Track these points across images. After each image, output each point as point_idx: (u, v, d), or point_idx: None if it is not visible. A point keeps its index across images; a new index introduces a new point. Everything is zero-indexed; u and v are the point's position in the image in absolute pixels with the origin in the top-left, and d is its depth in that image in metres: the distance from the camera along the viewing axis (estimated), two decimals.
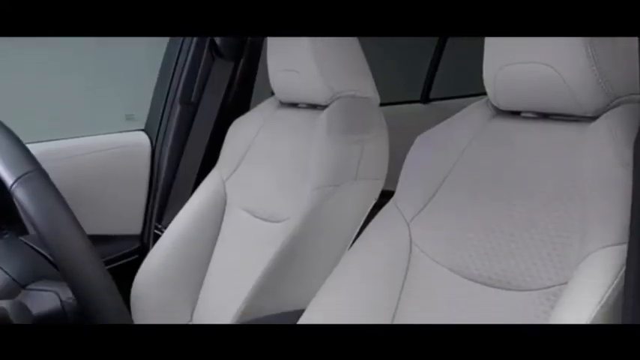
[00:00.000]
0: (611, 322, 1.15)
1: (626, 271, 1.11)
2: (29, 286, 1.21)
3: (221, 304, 2.14)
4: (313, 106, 2.15)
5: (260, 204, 2.15)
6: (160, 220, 2.58)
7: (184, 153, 2.62)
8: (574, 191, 1.35)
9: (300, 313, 1.63)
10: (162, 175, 2.61)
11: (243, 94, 2.62)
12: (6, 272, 1.23)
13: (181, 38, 2.61)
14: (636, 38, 1.18)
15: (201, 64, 2.59)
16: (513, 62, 1.44)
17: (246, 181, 2.23)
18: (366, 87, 2.09)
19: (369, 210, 1.97)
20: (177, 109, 2.62)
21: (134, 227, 2.62)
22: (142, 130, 2.71)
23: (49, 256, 1.25)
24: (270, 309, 1.89)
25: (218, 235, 2.26)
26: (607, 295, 1.16)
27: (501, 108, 1.55)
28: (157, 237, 2.42)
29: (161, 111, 2.67)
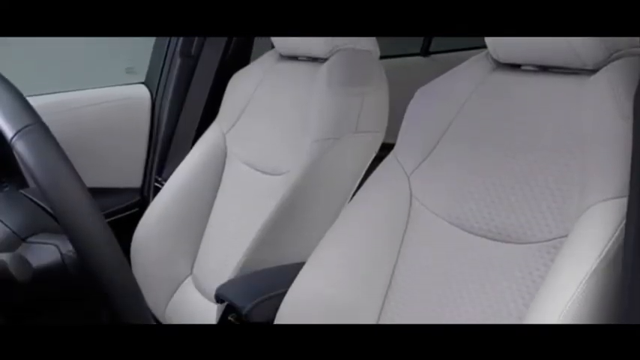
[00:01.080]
0: (611, 276, 1.16)
1: (627, 224, 1.11)
2: (29, 239, 1.21)
3: (221, 256, 2.14)
4: (313, 59, 2.14)
5: (260, 157, 2.15)
6: (160, 173, 2.58)
7: (184, 106, 2.61)
8: (574, 144, 1.34)
9: (300, 266, 1.64)
10: (163, 128, 2.61)
11: (243, 47, 2.61)
12: (6, 225, 1.23)
13: None
14: None
15: None
16: None
17: (246, 134, 2.23)
18: (367, 40, 2.08)
19: (369, 163, 1.96)
20: (178, 62, 2.61)
21: (134, 180, 2.62)
22: (142, 83, 2.71)
23: (49, 209, 1.25)
24: (271, 262, 1.89)
25: (218, 188, 2.26)
26: (607, 248, 1.17)
27: (501, 61, 1.54)
28: (157, 190, 2.42)
29: (161, 64, 2.66)
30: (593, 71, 1.37)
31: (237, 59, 2.57)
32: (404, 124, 1.69)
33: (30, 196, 1.33)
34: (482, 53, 1.61)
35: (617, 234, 1.17)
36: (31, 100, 1.17)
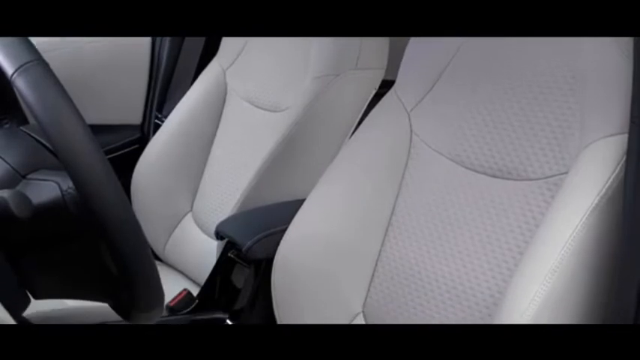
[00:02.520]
0: (611, 212, 1.16)
1: (627, 161, 1.11)
2: (29, 176, 1.21)
3: (221, 193, 2.14)
4: None
5: (260, 94, 2.14)
6: (160, 109, 2.56)
7: (184, 42, 2.60)
8: (574, 81, 1.34)
9: (300, 202, 1.64)
10: (163, 64, 2.59)
11: None
12: (6, 162, 1.23)
13: None
14: None
15: None
16: None
17: (246, 71, 2.22)
18: None
19: (369, 99, 1.96)
20: None
21: (134, 117, 2.61)
22: None
23: (49, 146, 1.24)
24: (271, 199, 1.90)
25: (218, 124, 2.25)
26: (607, 185, 1.17)
27: None
28: (157, 127, 2.41)
29: None
30: None
31: None
32: (404, 60, 1.68)
33: (30, 133, 1.32)
34: None
35: (617, 170, 1.17)
36: (31, 37, 1.17)
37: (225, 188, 2.13)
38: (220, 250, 1.87)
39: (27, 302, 1.23)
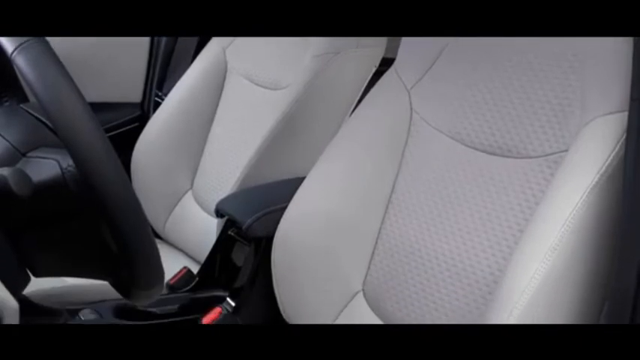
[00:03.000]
0: (611, 190, 1.16)
1: (627, 139, 1.11)
2: (29, 154, 1.21)
3: (221, 171, 2.14)
4: None
5: (261, 71, 2.14)
6: (160, 87, 2.56)
7: None
8: (574, 59, 1.34)
9: (300, 180, 1.64)
10: (163, 42, 2.58)
11: None
12: (6, 140, 1.23)
13: None
14: None
15: None
16: None
17: (246, 49, 2.21)
18: None
19: (369, 77, 1.96)
20: None
21: (134, 95, 2.60)
22: None
23: (49, 124, 1.24)
24: (271, 176, 1.90)
25: (218, 102, 2.25)
26: (607, 163, 1.17)
27: None
28: (157, 105, 2.41)
29: None
30: None
31: None
32: (404, 39, 1.68)
33: (30, 111, 1.32)
34: None
35: (617, 148, 1.17)
36: None
37: (226, 166, 2.13)
38: (220, 228, 1.87)
39: (27, 280, 1.23)
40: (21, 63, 1.07)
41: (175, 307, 1.82)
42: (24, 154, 1.21)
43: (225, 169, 2.13)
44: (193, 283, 1.90)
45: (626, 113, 1.15)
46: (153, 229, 2.11)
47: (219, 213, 1.80)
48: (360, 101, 1.76)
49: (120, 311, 1.72)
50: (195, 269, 1.94)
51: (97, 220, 1.14)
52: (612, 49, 1.25)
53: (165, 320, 1.76)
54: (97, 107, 1.32)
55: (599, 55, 1.28)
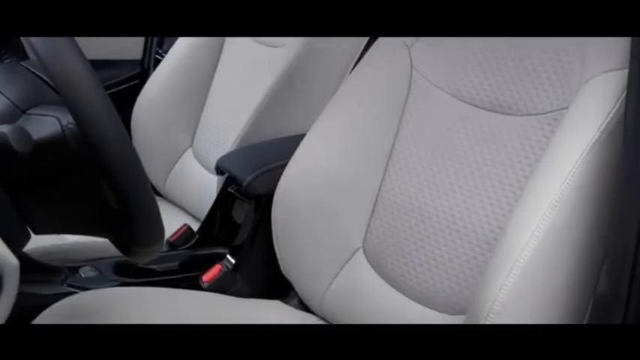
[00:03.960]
0: (611, 149, 1.16)
1: (627, 96, 1.10)
2: (30, 111, 1.21)
3: (222, 128, 2.14)
4: None
5: None
6: (160, 45, 2.56)
7: None
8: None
9: (300, 138, 1.64)
10: None
11: None
12: (6, 97, 1.22)
13: None
14: None
15: None
16: None
17: None
18: None
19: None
20: None
21: (135, 52, 2.60)
22: None
23: (49, 81, 1.24)
24: (271, 134, 1.90)
25: (219, 59, 2.25)
26: (607, 120, 1.17)
27: None
28: (157, 62, 2.41)
29: None
30: None
31: None
32: None
33: (30, 68, 1.32)
34: None
35: (617, 106, 1.17)
36: None
37: (226, 123, 2.13)
38: (221, 185, 1.87)
39: (27, 237, 1.23)
40: None
41: (175, 264, 1.83)
42: (24, 112, 1.21)
43: (225, 127, 2.13)
44: (193, 241, 1.90)
45: (626, 70, 1.15)
46: (153, 187, 2.12)
47: (219, 170, 1.80)
48: (360, 58, 1.76)
49: (120, 268, 1.72)
50: (195, 226, 1.94)
51: (97, 178, 1.14)
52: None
53: (166, 277, 1.77)
54: (98, 64, 1.32)
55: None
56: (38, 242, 1.34)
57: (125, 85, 2.51)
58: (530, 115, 1.36)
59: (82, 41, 1.10)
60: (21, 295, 1.03)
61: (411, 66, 1.56)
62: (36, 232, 1.25)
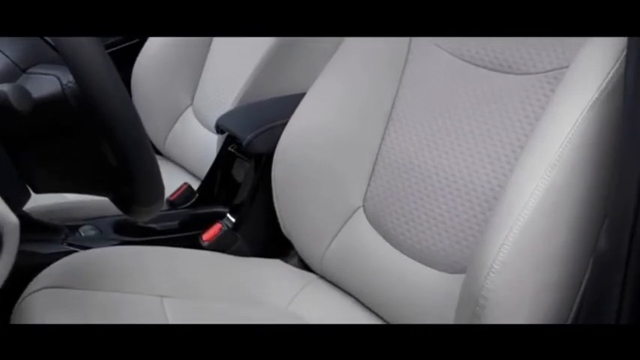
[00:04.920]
0: (611, 107, 1.15)
1: (627, 55, 1.10)
2: (30, 70, 1.21)
3: (222, 87, 2.14)
4: None
5: None
6: None
7: None
8: None
9: (300, 96, 1.63)
10: None
11: None
12: (6, 56, 1.22)
13: None
14: None
15: None
16: None
17: None
18: None
19: None
20: None
21: None
22: None
23: (49, 40, 1.24)
24: (271, 92, 1.89)
25: None
26: (607, 79, 1.16)
27: None
28: None
29: None
30: None
31: None
32: None
33: None
34: None
35: (617, 65, 1.17)
36: None
37: (226, 82, 2.12)
38: (221, 144, 1.87)
39: (27, 196, 1.23)
40: None
41: (175, 223, 1.83)
42: (24, 70, 1.21)
43: (225, 85, 2.12)
44: (193, 200, 1.90)
45: None
46: (153, 145, 2.12)
47: (219, 129, 1.80)
48: None
49: (120, 227, 1.73)
50: (195, 185, 1.94)
51: (97, 136, 1.14)
52: None
53: (166, 236, 1.78)
54: None
55: None
56: (38, 201, 1.34)
57: (125, 43, 2.50)
58: (530, 73, 1.36)
59: None
60: (21, 254, 1.04)
61: None
62: (36, 191, 1.25)
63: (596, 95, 1.16)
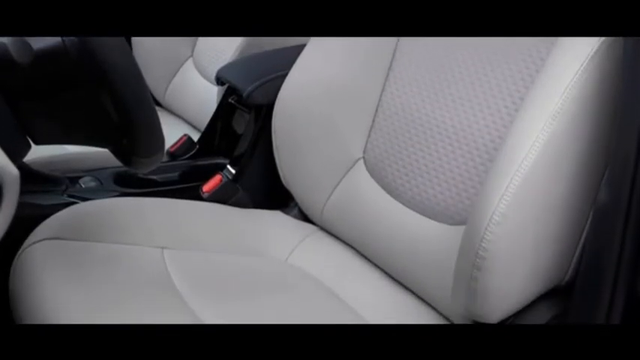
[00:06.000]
0: (611, 58, 1.15)
1: None
2: None
3: (222, 38, 2.13)
4: None
5: None
6: None
7: None
8: None
9: (301, 48, 1.63)
10: None
11: None
12: None
13: None
14: None
15: None
16: None
17: None
18: None
19: None
20: None
21: None
22: None
23: None
24: (272, 44, 1.88)
25: None
26: None
27: None
28: None
29: None
30: None
31: None
32: None
33: None
34: None
35: None
36: None
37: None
38: (221, 95, 1.87)
39: (27, 148, 1.23)
40: None
41: (176, 174, 1.84)
42: None
43: (226, 37, 2.11)
44: (194, 151, 1.90)
45: None
46: (153, 97, 2.11)
47: (219, 80, 1.79)
48: None
49: (120, 179, 1.73)
50: (195, 137, 1.94)
51: (98, 88, 1.13)
52: None
53: (166, 188, 1.78)
54: None
55: None
56: (38, 152, 1.34)
57: None
58: None
59: None
60: (21, 206, 1.04)
61: None
62: (36, 143, 1.25)
63: (596, 47, 1.16)
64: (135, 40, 2.24)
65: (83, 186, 1.68)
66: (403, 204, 1.48)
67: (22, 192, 1.02)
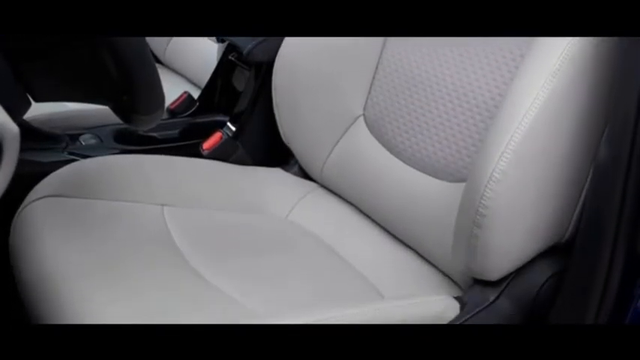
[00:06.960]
0: None
1: None
2: None
3: None
4: None
5: None
6: None
7: None
8: None
9: None
10: None
11: None
12: None
13: None
14: None
15: None
16: None
17: None
18: None
19: None
20: None
21: None
22: None
23: None
24: None
25: None
26: None
27: None
28: None
29: None
30: None
31: None
32: None
33: None
34: None
35: None
36: None
37: None
38: (221, 52, 1.86)
39: (27, 105, 1.23)
40: None
41: (176, 132, 1.84)
42: None
43: None
44: (194, 108, 1.90)
45: None
46: (153, 54, 2.10)
47: (219, 38, 1.79)
48: None
49: (120, 136, 1.73)
50: (195, 94, 1.94)
51: (98, 46, 1.13)
52: None
53: (166, 145, 1.78)
54: None
55: None
56: (39, 110, 1.34)
57: None
58: None
59: None
60: (21, 163, 1.04)
61: None
62: (36, 100, 1.25)
63: None
64: None
65: (83, 143, 1.68)
66: (403, 161, 1.47)
67: (22, 149, 1.02)
